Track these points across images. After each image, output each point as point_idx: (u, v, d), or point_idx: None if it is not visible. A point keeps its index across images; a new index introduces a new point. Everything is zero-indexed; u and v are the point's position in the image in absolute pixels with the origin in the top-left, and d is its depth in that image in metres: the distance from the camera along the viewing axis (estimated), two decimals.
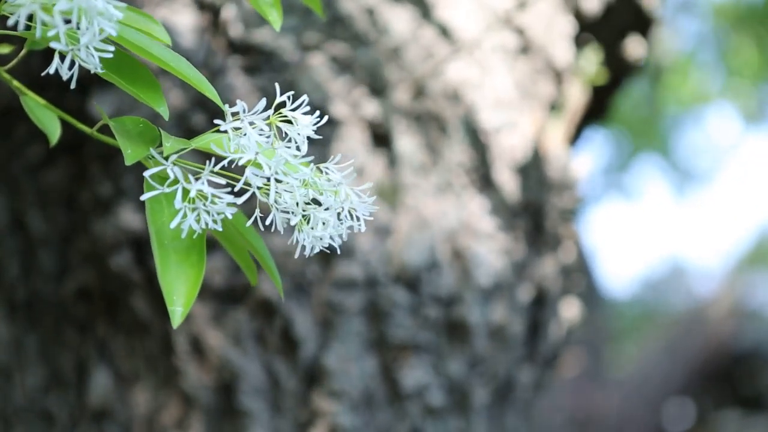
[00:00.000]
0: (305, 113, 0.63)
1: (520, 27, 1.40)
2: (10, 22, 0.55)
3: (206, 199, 0.58)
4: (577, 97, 1.59)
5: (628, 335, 5.77)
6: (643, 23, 1.68)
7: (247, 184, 0.59)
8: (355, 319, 1.26)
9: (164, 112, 0.63)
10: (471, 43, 1.35)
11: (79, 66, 0.59)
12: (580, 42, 1.58)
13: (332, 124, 1.27)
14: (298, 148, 0.62)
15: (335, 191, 0.63)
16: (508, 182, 1.36)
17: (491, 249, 1.33)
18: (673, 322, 4.77)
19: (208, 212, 0.59)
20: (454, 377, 1.31)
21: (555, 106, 1.49)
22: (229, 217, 0.59)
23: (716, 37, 4.47)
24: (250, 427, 1.23)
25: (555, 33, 1.44)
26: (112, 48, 0.58)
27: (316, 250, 0.63)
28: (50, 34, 0.55)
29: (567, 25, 1.47)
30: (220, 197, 0.58)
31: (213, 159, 0.59)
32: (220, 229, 0.59)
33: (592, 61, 1.63)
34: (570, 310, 1.55)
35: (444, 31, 1.33)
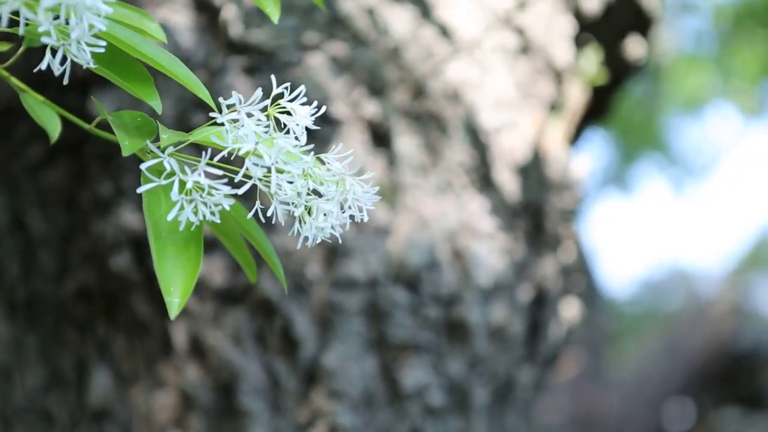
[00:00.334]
0: (303, 104, 0.63)
1: (520, 27, 1.40)
2: None
3: (203, 190, 0.58)
4: (577, 97, 1.59)
5: (628, 335, 5.77)
6: (643, 23, 1.68)
7: (246, 176, 0.59)
8: (355, 319, 1.26)
9: (157, 106, 0.63)
10: (471, 43, 1.35)
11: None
12: (580, 42, 1.58)
13: (332, 124, 1.27)
14: (297, 139, 0.61)
15: (337, 181, 0.62)
16: (508, 182, 1.36)
17: (491, 249, 1.33)
18: (673, 323, 4.77)
19: (205, 204, 0.58)
20: (454, 377, 1.31)
21: (555, 106, 1.49)
22: (227, 208, 0.59)
23: (716, 36, 4.47)
24: (250, 427, 1.23)
25: (555, 33, 1.44)
26: (103, 43, 0.57)
27: (318, 241, 0.63)
28: (41, 29, 0.55)
29: (567, 25, 1.47)
30: (217, 188, 0.58)
31: (209, 150, 0.59)
32: (218, 221, 0.59)
33: (592, 61, 1.63)
34: (570, 310, 1.55)
35: (444, 31, 1.33)
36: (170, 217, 0.58)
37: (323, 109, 0.63)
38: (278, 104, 0.63)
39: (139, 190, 0.59)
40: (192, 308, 1.25)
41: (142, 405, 1.28)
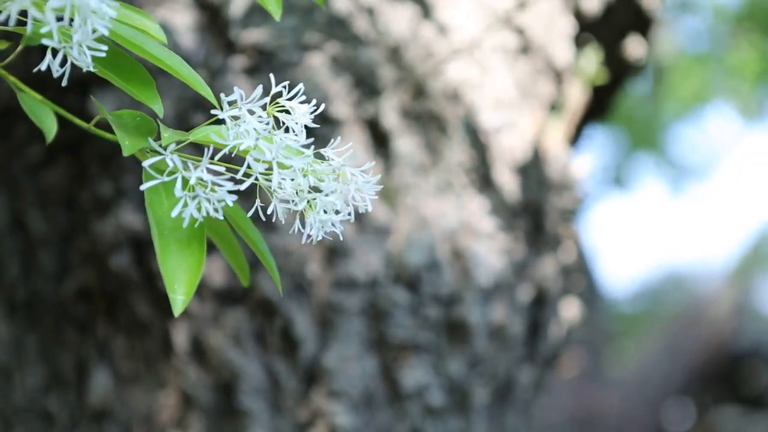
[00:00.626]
0: (301, 103, 0.63)
1: (520, 27, 1.40)
2: (1, 18, 0.55)
3: (206, 187, 0.58)
4: (577, 97, 1.59)
5: (628, 335, 5.77)
6: (643, 23, 1.68)
7: (247, 174, 0.59)
8: (355, 319, 1.26)
9: (159, 110, 0.63)
10: (471, 43, 1.35)
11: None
12: (580, 42, 1.58)
13: (332, 124, 1.27)
14: (296, 135, 0.62)
15: (338, 174, 0.62)
16: (508, 182, 1.36)
17: (491, 249, 1.33)
18: (673, 322, 4.77)
19: (208, 200, 0.58)
20: (454, 377, 1.31)
21: (555, 106, 1.49)
22: (230, 204, 0.59)
23: (716, 37, 4.47)
24: (250, 427, 1.23)
25: (555, 33, 1.44)
26: (104, 47, 0.57)
27: (320, 238, 0.63)
28: (43, 30, 0.55)
29: (567, 25, 1.47)
30: (220, 184, 0.58)
31: (211, 147, 0.59)
32: (221, 218, 0.59)
33: (592, 61, 1.63)
34: (570, 310, 1.55)
35: (444, 31, 1.33)
36: (174, 213, 0.58)
37: (322, 107, 0.63)
38: (277, 103, 0.63)
39: (142, 187, 0.59)
40: (192, 308, 1.25)
41: (142, 405, 1.28)
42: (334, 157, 0.63)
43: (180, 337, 1.25)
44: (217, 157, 0.58)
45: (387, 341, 1.27)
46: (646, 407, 4.07)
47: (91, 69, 0.58)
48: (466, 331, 1.30)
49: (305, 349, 1.25)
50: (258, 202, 0.62)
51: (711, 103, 4.94)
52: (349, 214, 0.63)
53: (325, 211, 0.62)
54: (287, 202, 0.61)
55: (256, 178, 0.59)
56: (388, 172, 1.29)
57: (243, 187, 0.58)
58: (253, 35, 1.25)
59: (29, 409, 1.33)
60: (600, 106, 1.77)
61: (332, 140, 0.64)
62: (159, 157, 0.58)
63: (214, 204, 0.58)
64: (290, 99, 0.63)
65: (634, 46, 1.70)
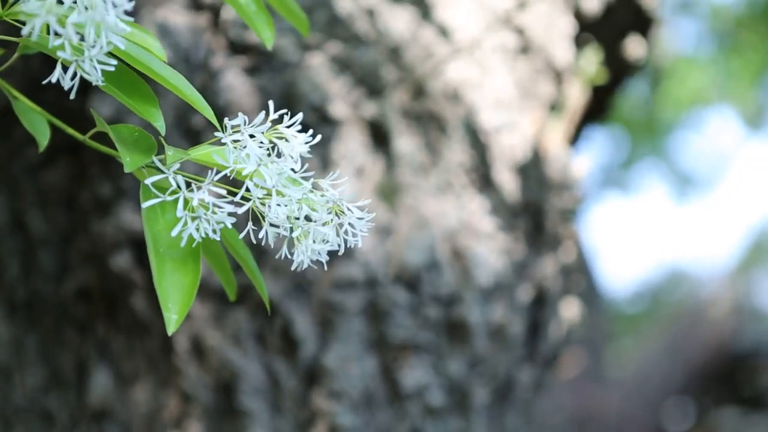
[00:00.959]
0: (299, 131, 0.64)
1: (520, 27, 1.40)
2: (24, 31, 0.56)
3: (207, 208, 0.59)
4: (577, 97, 1.59)
5: (628, 335, 5.77)
6: (643, 23, 1.68)
7: (244, 197, 0.60)
8: (355, 319, 1.26)
9: (161, 128, 0.64)
10: (471, 43, 1.35)
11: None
12: (580, 42, 1.58)
13: (332, 124, 1.27)
14: (292, 166, 0.62)
15: (333, 207, 0.63)
16: (508, 182, 1.36)
17: (491, 249, 1.33)
18: (673, 322, 4.77)
19: (208, 221, 0.59)
20: (454, 377, 1.31)
21: (555, 106, 1.49)
22: (229, 226, 0.60)
23: (716, 38, 4.47)
24: (250, 427, 1.24)
25: (555, 33, 1.44)
26: (114, 62, 0.59)
27: (305, 266, 0.64)
28: (56, 43, 0.56)
29: (567, 25, 1.47)
30: (221, 207, 0.59)
31: (214, 169, 0.60)
32: (218, 239, 0.60)
33: (592, 61, 1.63)
34: (570, 310, 1.55)
35: (444, 31, 1.33)
36: (174, 233, 0.59)
37: (318, 137, 0.64)
38: (276, 129, 0.63)
39: (143, 206, 0.59)
40: (192, 308, 1.25)
41: (142, 405, 1.28)
42: (329, 188, 0.63)
43: (180, 337, 1.25)
44: (216, 178, 0.59)
45: (387, 341, 1.27)
46: (646, 407, 4.07)
47: (101, 83, 0.59)
48: (466, 331, 1.30)
49: (305, 349, 1.25)
50: (250, 225, 0.63)
51: (711, 104, 4.94)
52: (339, 246, 0.64)
53: (314, 241, 0.63)
54: (277, 226, 0.62)
55: (255, 203, 0.60)
56: (388, 172, 1.29)
57: (242, 210, 0.59)
58: (253, 35, 1.25)
59: (29, 409, 1.33)
60: (600, 106, 1.77)
61: (331, 172, 0.65)
62: (161, 176, 0.59)
63: (213, 225, 0.59)
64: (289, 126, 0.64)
65: (634, 46, 1.70)
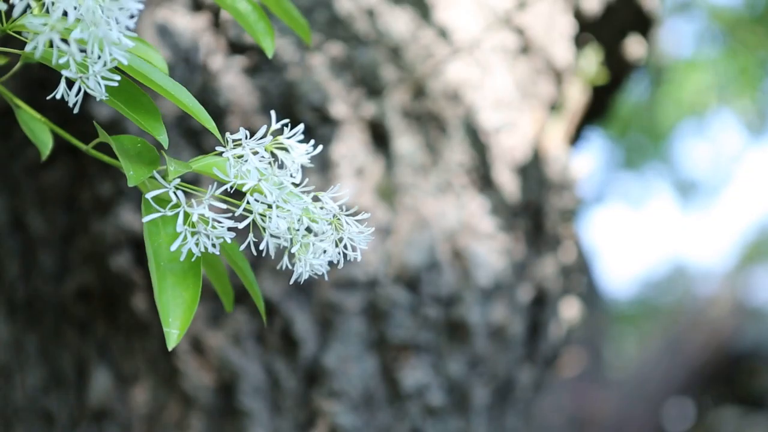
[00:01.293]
0: (300, 141, 0.64)
1: (520, 27, 1.40)
2: (28, 48, 0.56)
3: (207, 223, 0.59)
4: (577, 97, 1.59)
5: (628, 335, 5.77)
6: (643, 23, 1.68)
7: (245, 211, 0.60)
8: (355, 319, 1.26)
9: (164, 141, 0.64)
10: (471, 43, 1.35)
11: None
12: (580, 42, 1.58)
13: (332, 124, 1.27)
14: (292, 176, 0.63)
15: (333, 221, 0.63)
16: (508, 182, 1.36)
17: (491, 249, 1.33)
18: (673, 322, 4.77)
19: (207, 236, 0.59)
20: (454, 377, 1.31)
21: (555, 106, 1.49)
22: (228, 241, 0.60)
23: (716, 40, 4.47)
24: (250, 427, 1.24)
25: (555, 33, 1.44)
26: (117, 77, 0.59)
27: (305, 277, 0.64)
28: (61, 61, 0.56)
29: (567, 25, 1.47)
30: (220, 222, 0.59)
31: (215, 184, 0.60)
32: (218, 253, 0.60)
33: (592, 61, 1.63)
34: (570, 310, 1.55)
35: (444, 32, 1.33)
36: (173, 247, 0.59)
37: (320, 148, 0.64)
38: (277, 140, 0.64)
39: (144, 220, 0.59)
40: None
41: (142, 405, 1.28)
42: (330, 202, 0.63)
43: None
44: (218, 192, 0.59)
45: (387, 341, 1.27)
46: (646, 407, 4.07)
47: (104, 98, 0.60)
48: (466, 331, 1.30)
49: (305, 349, 1.25)
50: (251, 237, 0.63)
51: (711, 106, 4.93)
52: (338, 260, 0.64)
53: (314, 255, 0.63)
54: (278, 237, 0.62)
55: (255, 217, 0.61)
56: (388, 172, 1.29)
57: (242, 225, 0.59)
58: None
59: (29, 409, 1.33)
60: (600, 106, 1.77)
61: (332, 186, 0.65)
62: (162, 190, 0.59)
63: (212, 240, 0.59)
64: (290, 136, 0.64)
65: (634, 46, 1.70)
